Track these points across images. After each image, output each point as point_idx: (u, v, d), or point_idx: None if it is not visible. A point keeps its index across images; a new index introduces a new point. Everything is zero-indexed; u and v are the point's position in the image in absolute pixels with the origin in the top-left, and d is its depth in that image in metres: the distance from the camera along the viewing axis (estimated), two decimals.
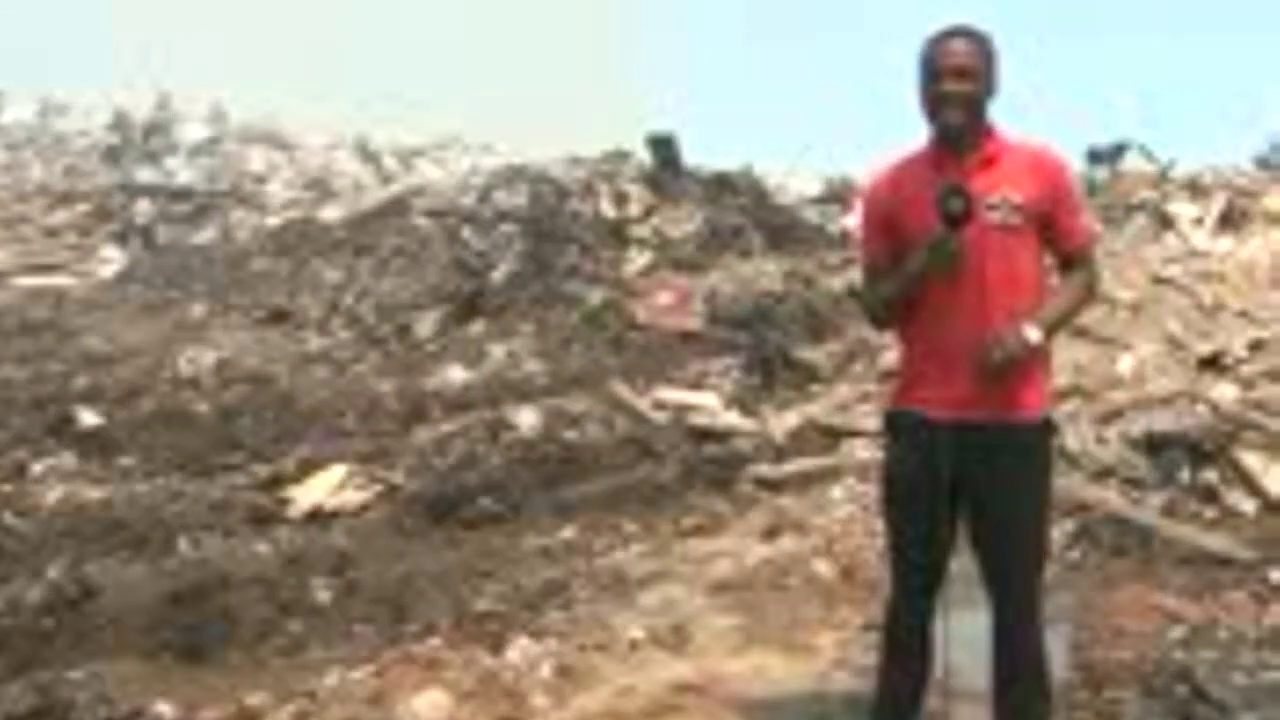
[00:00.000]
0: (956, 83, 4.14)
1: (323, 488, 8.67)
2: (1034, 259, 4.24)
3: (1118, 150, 15.86)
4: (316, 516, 8.34)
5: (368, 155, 22.43)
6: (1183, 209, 13.88)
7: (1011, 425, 4.18)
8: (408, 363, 12.43)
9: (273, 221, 17.68)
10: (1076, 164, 15.52)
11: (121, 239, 18.35)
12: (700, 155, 17.11)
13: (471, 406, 10.53)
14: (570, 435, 9.52)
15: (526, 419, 9.79)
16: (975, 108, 4.19)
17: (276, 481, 8.89)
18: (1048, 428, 4.31)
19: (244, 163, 22.02)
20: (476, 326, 13.24)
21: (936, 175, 4.18)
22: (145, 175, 21.05)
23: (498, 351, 12.45)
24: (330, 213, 17.53)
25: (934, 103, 4.18)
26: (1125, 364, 9.79)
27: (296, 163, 22.15)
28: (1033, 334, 4.12)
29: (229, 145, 22.99)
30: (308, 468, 9.04)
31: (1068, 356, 9.35)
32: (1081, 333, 9.75)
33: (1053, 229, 4.25)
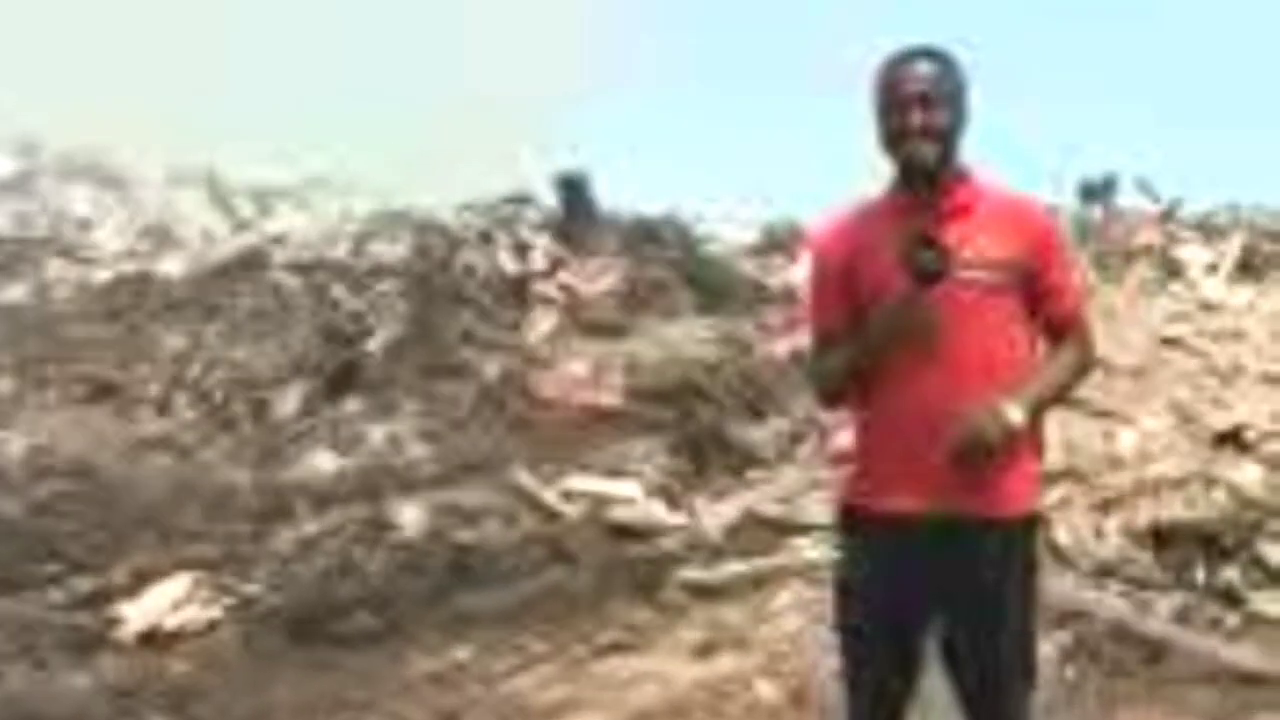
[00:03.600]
0: (923, 114, 4.19)
1: (160, 603, 8.58)
2: (1015, 325, 4.28)
3: (1107, 184, 16.05)
4: (152, 639, 8.24)
5: (217, 196, 22.29)
6: (1193, 254, 14.06)
7: (991, 521, 4.20)
8: (266, 448, 12.33)
9: (100, 276, 17.50)
10: (1066, 202, 15.71)
11: None
12: (617, 198, 17.15)
13: (344, 501, 10.46)
14: (464, 535, 9.48)
15: (411, 516, 9.74)
16: (945, 142, 4.24)
17: (102, 597, 8.77)
18: (1036, 521, 4.34)
19: (63, 203, 21.83)
20: (350, 404, 13.17)
21: (902, 225, 4.21)
22: None
23: (376, 434, 12.39)
24: (171, 266, 17.38)
25: (896, 138, 4.22)
26: (1126, 441, 9.87)
27: (130, 204, 21.99)
28: (1014, 413, 4.13)
29: (44, 182, 22.81)
30: (142, 579, 8.93)
31: (1057, 433, 9.42)
32: (1073, 404, 9.83)
33: (1038, 291, 4.29)
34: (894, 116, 4.22)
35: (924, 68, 4.25)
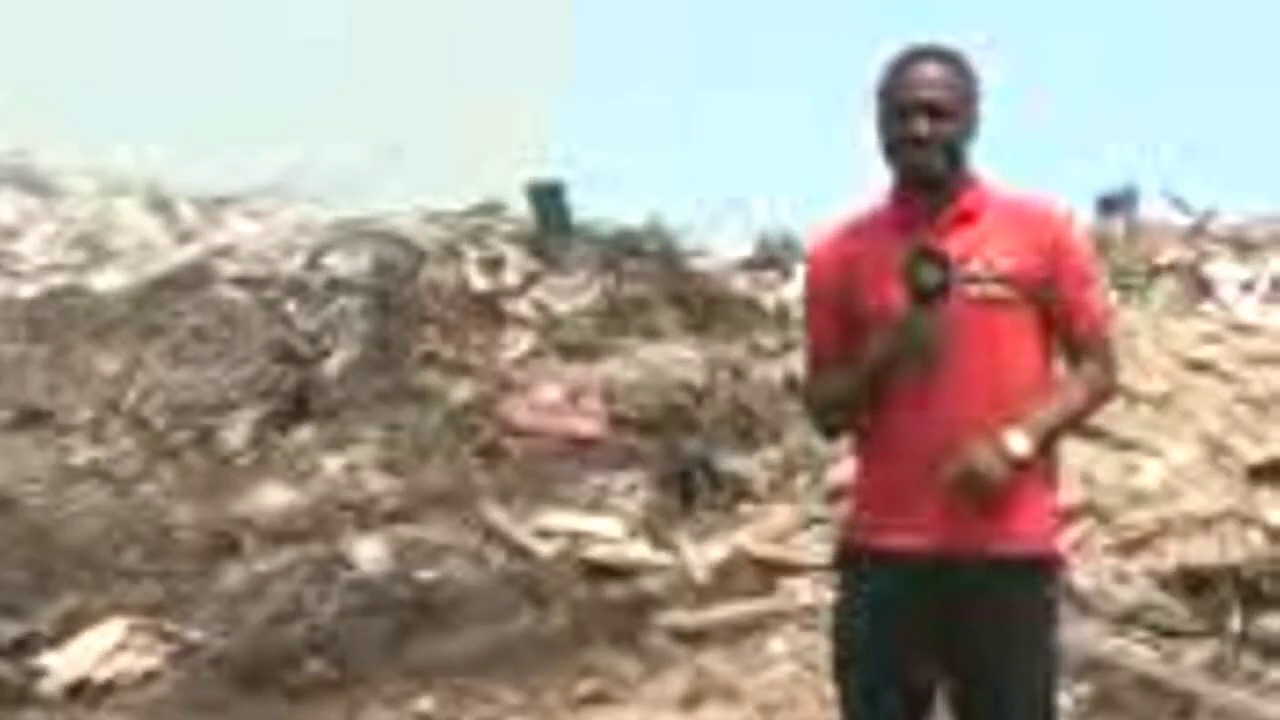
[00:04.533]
0: (930, 122, 4.17)
1: (92, 651, 8.54)
2: (1030, 343, 4.24)
3: (1128, 194, 16.07)
4: (83, 691, 8.22)
5: (158, 204, 22.25)
6: (1225, 271, 14.10)
7: (1000, 561, 4.18)
8: (212, 481, 12.31)
9: (27, 291, 17.48)
10: (1085, 216, 15.74)
11: None
12: (597, 209, 17.15)
13: (297, 538, 10.45)
14: (428, 575, 9.48)
15: (370, 554, 9.74)
16: (952, 151, 4.22)
17: (27, 645, 8.75)
18: (1052, 563, 4.33)
19: None
20: (304, 432, 13.16)
21: (902, 236, 4.19)
22: None
23: (332, 465, 12.38)
24: (107, 280, 17.36)
25: (898, 146, 4.20)
26: (1151, 475, 9.88)
27: (60, 213, 21.96)
28: (1018, 443, 4.10)
29: None
30: (72, 624, 8.91)
31: (1076, 465, 9.42)
32: (1093, 434, 9.83)
33: (1054, 306, 4.25)
34: (897, 124, 4.19)
35: (932, 71, 4.21)
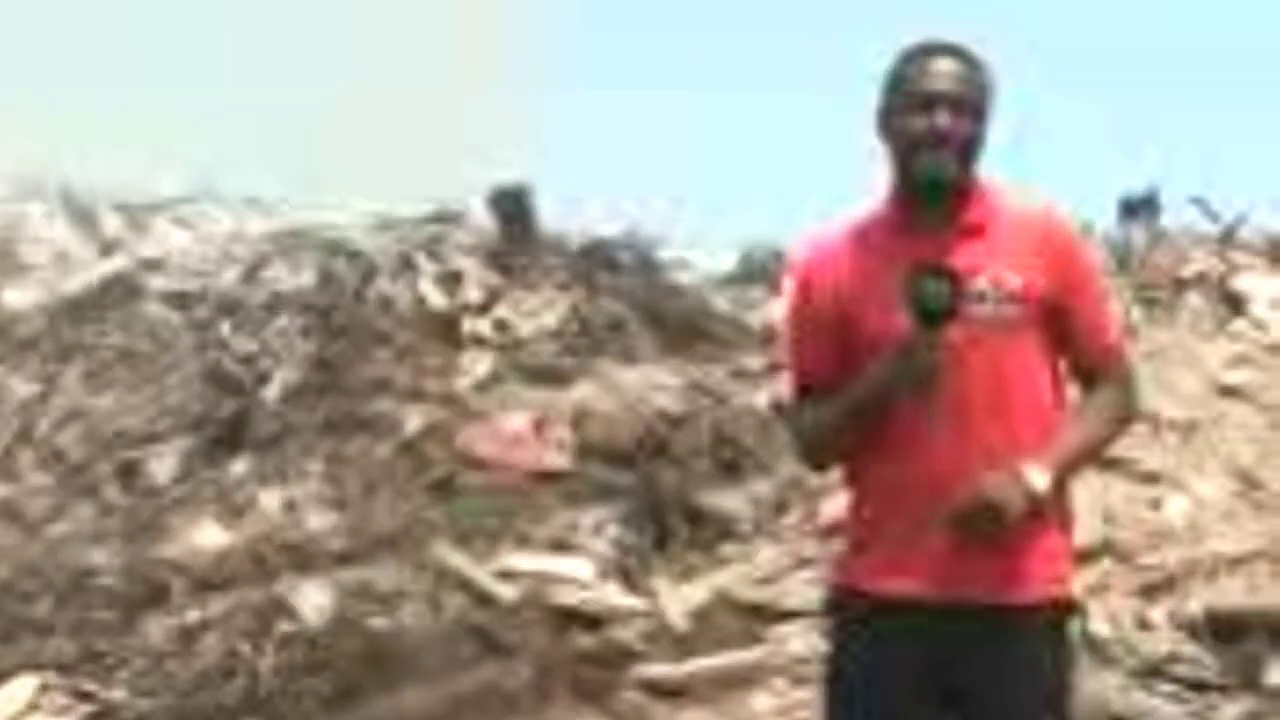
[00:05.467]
0: (952, 118, 4.16)
1: (1, 712, 8.51)
2: (1041, 368, 4.24)
3: (1150, 199, 16.07)
4: None
5: (78, 211, 22.24)
6: (1258, 285, 14.12)
7: (1009, 607, 4.18)
8: (136, 520, 12.28)
9: None
10: (1105, 224, 15.78)
11: None
12: (566, 218, 17.16)
13: (231, 583, 10.41)
14: (377, 623, 9.45)
15: (313, 600, 9.71)
16: (968, 155, 4.22)
17: None
18: (1065, 609, 4.32)
19: None
20: (239, 465, 13.13)
21: (901, 249, 4.18)
22: None
23: (270, 501, 12.35)
24: (19, 296, 17.35)
25: (914, 144, 4.18)
26: (1176, 510, 9.90)
27: None
28: (1037, 478, 4.10)
29: None
30: None
31: (1094, 500, 9.42)
32: (1112, 465, 9.84)
33: (1068, 325, 4.25)
34: (914, 119, 4.18)
35: (954, 66, 4.22)
